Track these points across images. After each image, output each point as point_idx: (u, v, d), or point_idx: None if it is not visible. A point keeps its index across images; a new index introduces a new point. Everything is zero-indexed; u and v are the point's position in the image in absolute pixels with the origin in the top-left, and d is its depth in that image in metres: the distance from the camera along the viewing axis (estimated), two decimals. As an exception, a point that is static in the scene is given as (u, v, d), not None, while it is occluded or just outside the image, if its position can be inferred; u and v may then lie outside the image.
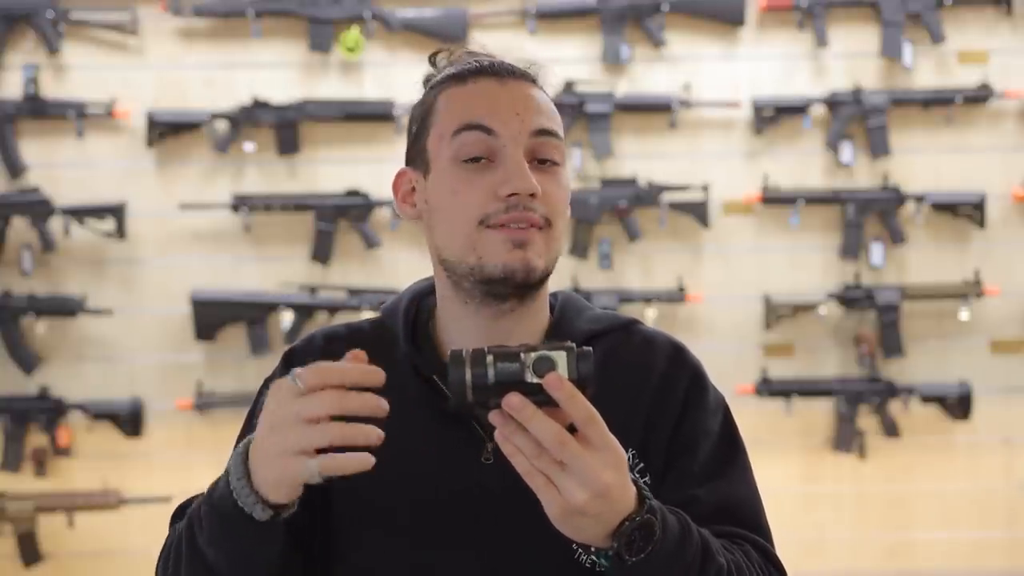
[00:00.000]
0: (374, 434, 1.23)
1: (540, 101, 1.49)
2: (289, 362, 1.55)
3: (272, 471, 1.28)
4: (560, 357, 1.25)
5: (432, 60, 1.56)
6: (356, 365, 1.25)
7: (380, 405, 1.24)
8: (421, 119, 1.51)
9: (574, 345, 1.26)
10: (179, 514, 1.51)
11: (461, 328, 1.50)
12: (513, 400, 1.22)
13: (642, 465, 1.49)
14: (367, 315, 1.65)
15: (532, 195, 1.43)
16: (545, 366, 1.24)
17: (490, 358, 1.25)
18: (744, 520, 1.48)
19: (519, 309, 1.48)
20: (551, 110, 1.50)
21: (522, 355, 1.25)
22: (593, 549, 1.31)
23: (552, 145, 1.48)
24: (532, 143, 1.46)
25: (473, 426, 1.46)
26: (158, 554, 1.50)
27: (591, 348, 1.27)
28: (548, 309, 1.55)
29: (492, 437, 1.42)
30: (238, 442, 1.55)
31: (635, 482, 1.30)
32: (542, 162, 1.47)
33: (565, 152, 1.51)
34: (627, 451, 1.46)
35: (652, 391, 1.51)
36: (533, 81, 1.52)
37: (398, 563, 1.45)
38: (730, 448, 1.53)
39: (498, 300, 1.46)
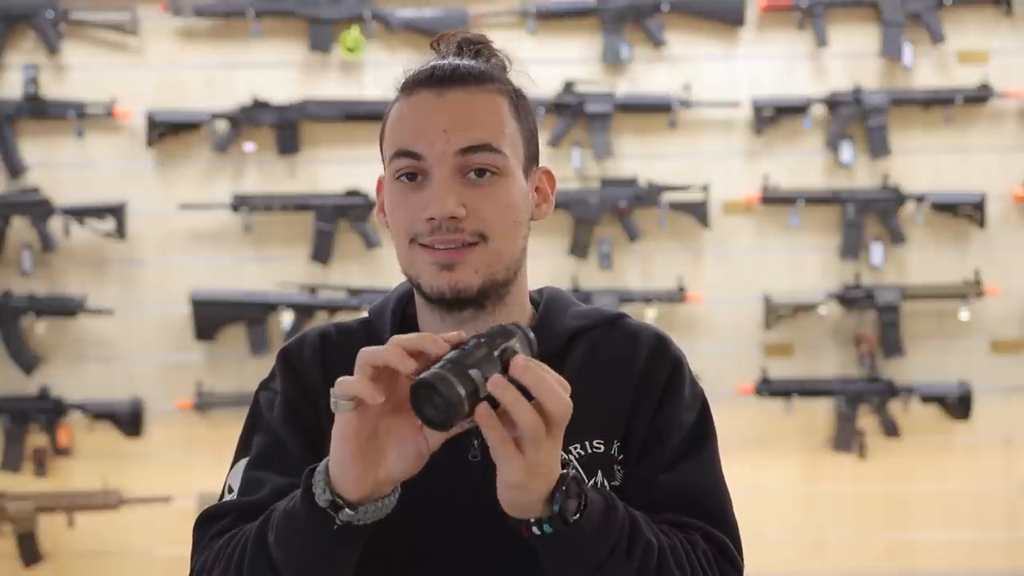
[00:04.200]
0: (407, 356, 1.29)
1: (476, 111, 1.47)
2: (285, 361, 1.56)
3: (335, 454, 1.30)
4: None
5: (433, 46, 1.56)
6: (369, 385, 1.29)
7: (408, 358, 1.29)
8: (381, 132, 1.53)
9: (516, 329, 1.30)
10: (206, 522, 1.50)
11: (437, 330, 1.50)
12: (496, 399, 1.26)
13: (622, 457, 1.50)
14: (365, 315, 1.64)
15: (453, 217, 1.43)
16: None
17: (457, 394, 1.25)
18: (705, 509, 1.49)
19: (481, 316, 1.48)
20: (491, 119, 1.47)
21: (472, 374, 1.26)
22: (532, 520, 1.32)
23: (485, 160, 1.45)
24: (460, 161, 1.45)
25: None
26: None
27: (516, 324, 1.31)
28: (527, 309, 1.55)
29: (478, 435, 1.44)
30: (243, 440, 1.55)
31: None
32: (480, 174, 1.46)
33: (513, 157, 1.48)
34: (611, 444, 1.49)
35: (634, 384, 1.52)
36: (485, 80, 1.49)
37: (389, 559, 1.46)
38: (700, 440, 1.53)
39: (452, 311, 1.48)
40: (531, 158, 1.53)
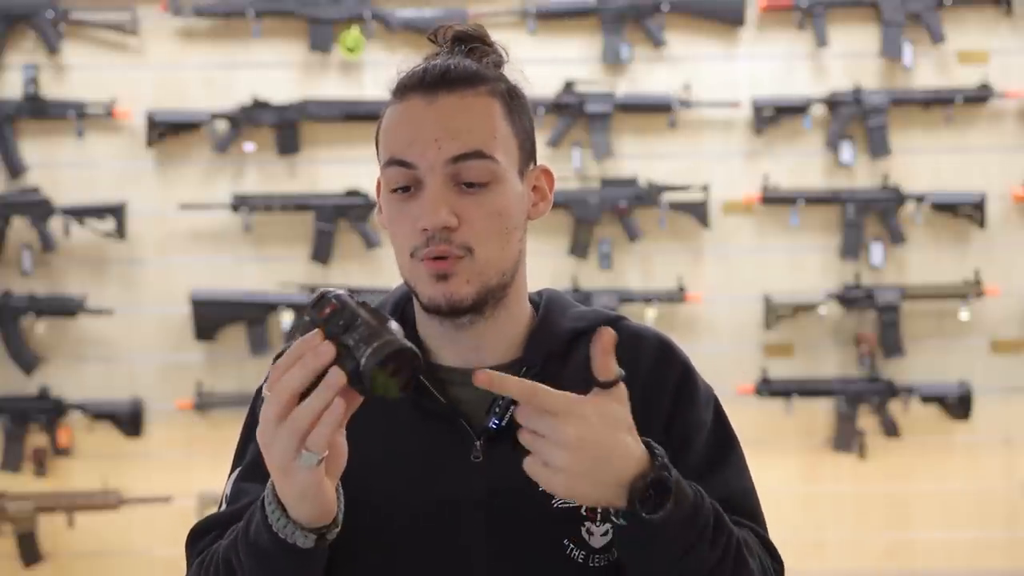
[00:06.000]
0: (335, 378, 1.26)
1: (466, 117, 1.45)
2: None
3: (289, 486, 1.29)
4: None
5: (430, 38, 1.55)
6: (305, 346, 1.29)
7: (337, 380, 1.27)
8: (376, 134, 1.51)
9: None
10: (195, 538, 1.50)
11: (436, 335, 1.51)
12: (481, 377, 1.27)
13: None
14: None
15: (446, 227, 1.42)
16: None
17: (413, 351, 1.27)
18: (748, 512, 1.50)
19: (479, 321, 1.47)
20: (482, 124, 1.45)
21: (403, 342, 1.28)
22: (612, 512, 1.32)
23: (476, 168, 1.44)
24: (452, 169, 1.43)
25: (462, 424, 1.46)
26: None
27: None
28: (526, 311, 1.54)
29: (480, 435, 1.43)
30: (238, 449, 1.55)
31: (647, 443, 1.32)
32: (469, 185, 1.44)
33: (506, 161, 1.46)
34: None
35: (641, 387, 1.49)
36: (477, 82, 1.48)
37: (390, 563, 1.46)
38: (725, 440, 1.54)
39: (449, 318, 1.47)
40: (527, 158, 1.51)
